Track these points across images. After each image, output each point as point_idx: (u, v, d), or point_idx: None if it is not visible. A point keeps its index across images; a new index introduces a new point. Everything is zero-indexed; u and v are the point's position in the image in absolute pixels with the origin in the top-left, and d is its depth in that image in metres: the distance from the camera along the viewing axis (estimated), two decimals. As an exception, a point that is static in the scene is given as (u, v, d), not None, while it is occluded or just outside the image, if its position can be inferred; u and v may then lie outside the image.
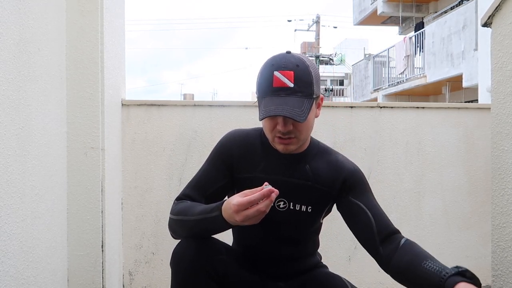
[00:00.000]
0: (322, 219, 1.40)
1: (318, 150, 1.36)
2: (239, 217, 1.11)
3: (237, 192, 1.34)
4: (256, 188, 1.12)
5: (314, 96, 1.22)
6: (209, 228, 1.21)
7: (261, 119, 1.20)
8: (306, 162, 1.33)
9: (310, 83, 1.21)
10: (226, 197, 1.40)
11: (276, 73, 1.19)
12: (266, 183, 1.13)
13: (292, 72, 1.19)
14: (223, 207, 1.16)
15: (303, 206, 1.32)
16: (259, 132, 1.36)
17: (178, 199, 1.35)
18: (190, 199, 1.32)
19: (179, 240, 1.30)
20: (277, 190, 1.10)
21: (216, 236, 1.27)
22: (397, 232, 1.30)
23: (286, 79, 1.19)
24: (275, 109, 1.16)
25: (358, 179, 1.33)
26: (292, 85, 1.18)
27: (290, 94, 1.18)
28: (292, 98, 1.18)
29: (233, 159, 1.33)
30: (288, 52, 1.24)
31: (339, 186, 1.32)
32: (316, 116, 1.29)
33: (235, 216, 1.11)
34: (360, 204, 1.29)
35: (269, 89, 1.20)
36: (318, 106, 1.29)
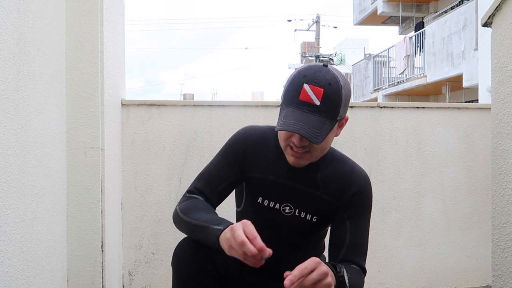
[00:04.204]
0: (328, 227, 1.39)
1: (332, 159, 1.32)
2: (229, 233, 1.06)
3: (245, 189, 1.35)
4: (261, 245, 1.03)
5: (338, 119, 1.18)
6: (206, 239, 1.17)
7: (277, 130, 1.16)
8: (318, 170, 1.29)
9: (337, 105, 1.16)
10: (234, 192, 1.41)
11: (306, 86, 1.14)
12: (270, 252, 1.04)
13: (322, 90, 1.14)
14: (229, 227, 1.10)
15: (308, 215, 1.30)
16: (274, 132, 1.32)
17: (190, 192, 1.33)
18: (202, 194, 1.31)
19: (179, 238, 1.30)
20: (262, 262, 1.04)
21: None
22: (360, 267, 1.27)
23: (314, 95, 1.14)
24: (294, 124, 1.13)
25: (363, 200, 1.30)
26: (319, 103, 1.14)
27: (313, 112, 1.14)
28: (314, 116, 1.14)
29: (245, 156, 1.32)
30: (325, 66, 1.19)
31: (347, 198, 1.29)
32: (336, 135, 1.25)
33: (230, 231, 1.07)
34: (347, 226, 1.27)
35: (294, 100, 1.16)
36: (341, 126, 1.24)
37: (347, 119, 1.25)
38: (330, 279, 1.04)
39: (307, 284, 1.01)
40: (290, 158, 1.24)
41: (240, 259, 1.05)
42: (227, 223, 1.13)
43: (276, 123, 1.18)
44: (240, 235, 1.04)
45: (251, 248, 1.02)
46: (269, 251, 1.03)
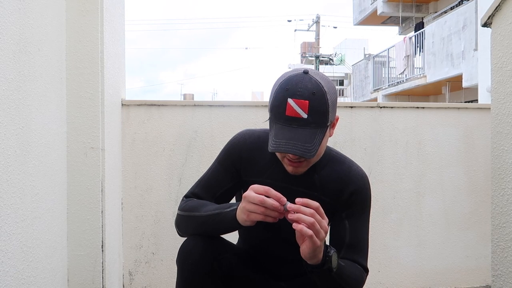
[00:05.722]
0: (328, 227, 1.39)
1: (329, 159, 1.32)
2: (244, 202, 1.11)
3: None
4: (278, 194, 1.09)
5: (328, 124, 1.17)
6: (221, 223, 1.21)
7: (270, 151, 1.15)
8: (315, 171, 1.30)
9: (325, 113, 1.14)
10: (234, 198, 1.41)
11: (290, 101, 1.12)
12: (286, 200, 1.09)
13: (307, 102, 1.12)
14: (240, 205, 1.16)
15: None
16: None
17: (187, 196, 1.35)
18: (199, 199, 1.32)
19: (181, 238, 1.31)
20: (282, 208, 1.08)
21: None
22: (362, 266, 1.28)
23: (300, 109, 1.12)
24: (285, 144, 1.12)
25: (362, 199, 1.30)
26: (306, 116, 1.12)
27: (302, 126, 1.13)
28: (304, 130, 1.13)
29: (241, 161, 1.33)
30: (306, 72, 1.16)
31: (345, 198, 1.29)
32: (330, 136, 1.24)
33: (243, 200, 1.11)
34: (346, 226, 1.28)
35: (281, 116, 1.14)
36: (333, 126, 1.24)
37: (337, 119, 1.25)
38: (322, 237, 1.07)
39: (306, 212, 1.06)
40: (288, 168, 1.24)
41: (262, 219, 1.10)
42: (237, 204, 1.18)
43: (268, 141, 1.17)
44: (255, 196, 1.09)
45: (270, 201, 1.08)
46: (284, 198, 1.09)
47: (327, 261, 1.11)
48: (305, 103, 1.12)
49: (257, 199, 1.08)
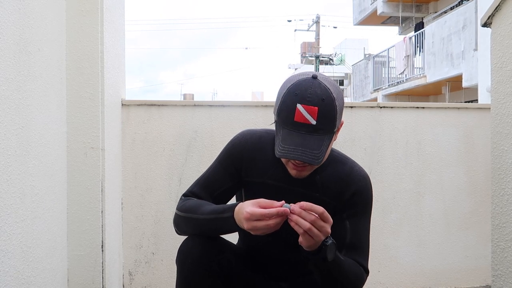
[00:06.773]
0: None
1: (330, 160, 1.31)
2: (247, 225, 1.10)
3: (245, 194, 1.34)
4: (272, 202, 1.11)
5: (335, 130, 1.18)
6: (218, 228, 1.21)
7: (278, 156, 1.15)
8: (317, 172, 1.29)
9: (333, 119, 1.15)
10: (234, 197, 1.40)
11: (299, 107, 1.12)
12: (284, 202, 1.10)
13: (317, 108, 1.11)
14: (235, 210, 1.16)
15: None
16: (271, 136, 1.32)
17: (185, 195, 1.34)
18: (197, 197, 1.32)
19: (181, 238, 1.30)
20: (289, 211, 1.09)
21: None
22: (362, 266, 1.28)
23: (309, 116, 1.12)
24: (293, 151, 1.12)
25: (363, 200, 1.30)
26: (315, 122, 1.12)
27: (311, 132, 1.13)
28: (312, 136, 1.13)
29: (242, 161, 1.32)
30: (315, 77, 1.15)
31: (346, 199, 1.29)
32: (334, 140, 1.23)
33: (244, 223, 1.11)
34: (347, 226, 1.27)
35: (289, 121, 1.14)
36: (338, 131, 1.23)
37: (342, 123, 1.25)
38: (319, 240, 1.08)
39: (307, 217, 1.07)
40: (292, 172, 1.24)
41: (272, 228, 1.11)
42: (231, 207, 1.18)
43: (275, 145, 1.18)
44: (257, 214, 1.09)
45: (272, 223, 1.09)
46: (286, 211, 1.08)
47: (323, 249, 1.11)
48: (314, 109, 1.12)
49: (261, 226, 1.09)
